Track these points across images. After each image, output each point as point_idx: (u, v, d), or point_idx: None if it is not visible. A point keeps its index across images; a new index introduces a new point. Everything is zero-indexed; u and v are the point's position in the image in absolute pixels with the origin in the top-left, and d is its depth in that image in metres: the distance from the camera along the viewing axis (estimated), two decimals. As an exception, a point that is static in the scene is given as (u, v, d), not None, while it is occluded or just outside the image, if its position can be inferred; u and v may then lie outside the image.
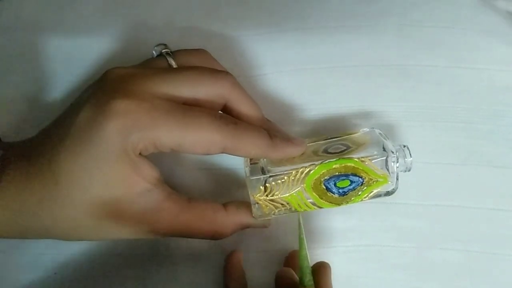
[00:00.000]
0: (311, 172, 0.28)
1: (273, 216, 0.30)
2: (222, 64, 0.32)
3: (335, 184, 0.29)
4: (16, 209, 0.27)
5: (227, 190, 0.34)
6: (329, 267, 0.30)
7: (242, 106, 0.29)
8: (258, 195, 0.29)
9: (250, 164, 0.29)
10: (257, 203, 0.29)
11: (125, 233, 0.28)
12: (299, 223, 0.30)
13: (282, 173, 0.28)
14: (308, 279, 0.28)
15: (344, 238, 0.32)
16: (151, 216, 0.27)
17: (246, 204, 0.30)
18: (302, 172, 0.28)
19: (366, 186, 0.29)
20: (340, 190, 0.29)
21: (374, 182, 0.29)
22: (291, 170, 0.28)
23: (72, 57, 0.35)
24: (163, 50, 0.30)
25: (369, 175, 0.28)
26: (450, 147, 0.33)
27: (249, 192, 0.29)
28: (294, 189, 0.29)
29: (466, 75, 0.34)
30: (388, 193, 0.30)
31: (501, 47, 0.34)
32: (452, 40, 0.35)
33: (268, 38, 0.35)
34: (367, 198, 0.29)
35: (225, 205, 0.30)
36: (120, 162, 0.26)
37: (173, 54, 0.30)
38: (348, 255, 0.32)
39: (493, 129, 0.34)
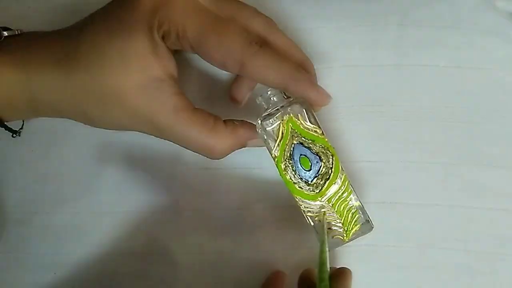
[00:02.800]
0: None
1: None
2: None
3: (300, 162, 0.29)
4: (29, 69, 0.27)
5: (227, 191, 0.34)
6: (350, 273, 0.29)
7: (280, 42, 0.30)
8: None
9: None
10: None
11: (125, 118, 0.28)
12: (323, 226, 0.29)
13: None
14: (324, 284, 0.27)
15: (344, 238, 0.32)
16: (156, 106, 0.27)
17: (246, 123, 0.30)
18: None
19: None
20: (307, 174, 0.29)
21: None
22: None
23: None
24: None
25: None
26: (450, 147, 0.33)
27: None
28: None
29: (466, 75, 0.34)
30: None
31: (501, 47, 0.34)
32: (452, 40, 0.35)
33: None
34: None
35: (224, 121, 0.29)
36: (141, 36, 0.26)
37: None
38: (348, 255, 0.32)
39: (493, 129, 0.34)
